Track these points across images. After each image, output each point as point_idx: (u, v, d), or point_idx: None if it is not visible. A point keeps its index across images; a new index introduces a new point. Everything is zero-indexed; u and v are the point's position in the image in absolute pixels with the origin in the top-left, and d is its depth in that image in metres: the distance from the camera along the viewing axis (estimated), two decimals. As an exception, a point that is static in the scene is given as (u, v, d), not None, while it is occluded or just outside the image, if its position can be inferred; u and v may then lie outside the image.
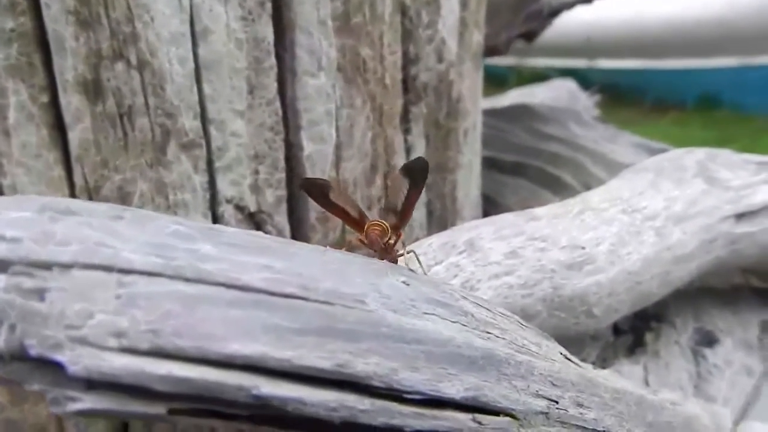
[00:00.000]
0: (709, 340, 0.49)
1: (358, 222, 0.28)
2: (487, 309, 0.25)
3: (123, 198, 0.42)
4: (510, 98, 1.36)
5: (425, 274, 0.31)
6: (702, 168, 0.47)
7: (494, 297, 0.38)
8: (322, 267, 0.20)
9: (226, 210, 0.46)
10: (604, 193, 0.45)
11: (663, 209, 0.44)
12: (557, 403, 0.23)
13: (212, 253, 0.18)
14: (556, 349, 0.27)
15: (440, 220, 0.66)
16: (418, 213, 0.62)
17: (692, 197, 0.45)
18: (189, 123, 0.42)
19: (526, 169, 0.86)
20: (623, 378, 0.38)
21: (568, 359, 0.27)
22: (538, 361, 0.23)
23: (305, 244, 0.22)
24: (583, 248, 0.41)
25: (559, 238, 0.41)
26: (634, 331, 0.52)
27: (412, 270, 0.26)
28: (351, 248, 0.29)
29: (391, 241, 0.27)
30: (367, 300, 0.19)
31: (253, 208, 0.47)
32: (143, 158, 0.41)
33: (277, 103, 0.46)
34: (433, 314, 0.21)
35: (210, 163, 0.44)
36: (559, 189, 0.80)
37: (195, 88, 0.42)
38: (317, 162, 0.49)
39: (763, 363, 0.49)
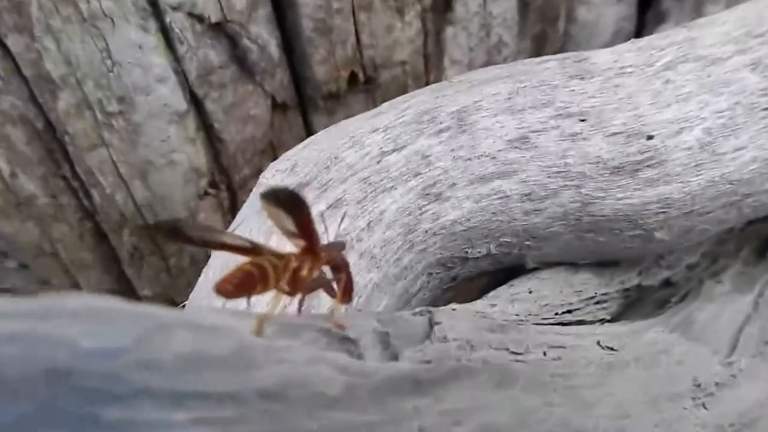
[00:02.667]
0: None
1: (246, 250, 0.20)
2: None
3: (18, 8, 0.32)
4: None
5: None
6: None
7: (474, 212, 0.24)
8: None
9: (175, 20, 0.34)
10: (735, 23, 0.26)
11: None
12: None
13: None
14: None
15: (543, 13, 0.47)
16: (507, 4, 0.44)
17: None
18: None
19: None
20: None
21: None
22: None
23: None
24: (651, 137, 0.24)
25: (613, 116, 0.24)
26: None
27: None
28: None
29: (303, 273, 0.19)
30: None
31: (215, 17, 0.35)
32: (27, -41, 0.30)
33: None
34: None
35: (135, -40, 0.32)
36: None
37: None
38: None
39: None
